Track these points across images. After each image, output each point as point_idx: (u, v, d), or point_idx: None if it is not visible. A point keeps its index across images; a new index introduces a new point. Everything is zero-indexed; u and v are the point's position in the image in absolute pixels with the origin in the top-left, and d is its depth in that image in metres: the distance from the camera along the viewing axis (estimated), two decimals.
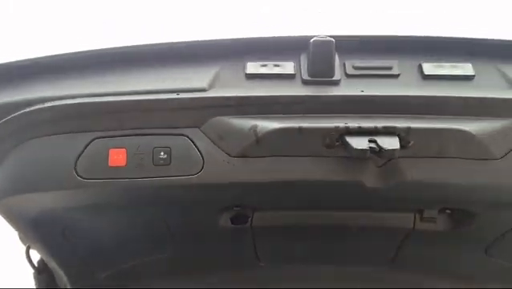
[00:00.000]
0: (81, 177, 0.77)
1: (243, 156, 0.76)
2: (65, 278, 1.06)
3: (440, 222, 1.01)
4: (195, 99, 0.78)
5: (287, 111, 0.78)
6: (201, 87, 0.80)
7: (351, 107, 0.78)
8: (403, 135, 0.73)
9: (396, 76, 0.83)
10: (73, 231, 0.94)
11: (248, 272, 1.26)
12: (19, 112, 0.78)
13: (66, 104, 0.78)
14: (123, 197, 0.82)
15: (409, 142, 0.74)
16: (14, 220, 0.91)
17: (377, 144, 0.70)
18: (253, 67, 0.83)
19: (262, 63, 0.84)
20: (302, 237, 1.11)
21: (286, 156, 0.77)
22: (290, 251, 1.18)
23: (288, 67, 0.84)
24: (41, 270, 1.10)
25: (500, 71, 0.83)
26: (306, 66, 0.83)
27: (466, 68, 0.82)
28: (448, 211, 0.97)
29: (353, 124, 0.74)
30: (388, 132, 0.73)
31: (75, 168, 0.78)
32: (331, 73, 0.82)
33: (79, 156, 0.78)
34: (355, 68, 0.83)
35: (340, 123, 0.74)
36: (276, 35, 0.88)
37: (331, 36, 0.81)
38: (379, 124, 0.74)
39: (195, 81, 0.81)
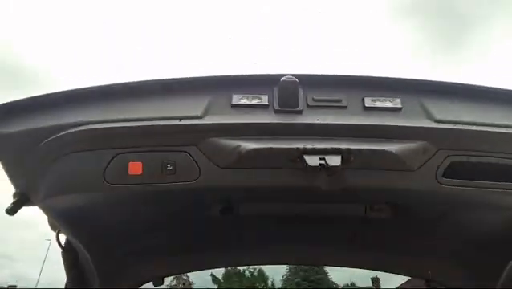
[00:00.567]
0: (108, 182, 1.04)
1: (229, 167, 1.03)
2: (87, 255, 1.33)
3: (386, 212, 1.32)
4: (193, 124, 1.04)
5: (262, 134, 1.05)
6: (198, 115, 1.06)
7: (310, 132, 1.05)
8: (345, 154, 1.01)
9: (345, 107, 1.10)
10: (98, 221, 1.21)
11: (234, 251, 1.57)
12: (60, 134, 1.04)
13: (95, 128, 1.04)
14: (139, 197, 1.09)
15: (350, 159, 1.01)
16: (55, 214, 1.18)
17: (325, 162, 0.98)
18: (237, 99, 1.09)
19: (243, 95, 1.10)
20: (278, 223, 1.41)
21: (261, 168, 1.04)
22: (268, 235, 1.48)
23: (264, 99, 1.10)
24: (67, 250, 1.36)
25: (422, 105, 1.10)
26: (277, 98, 1.09)
27: (395, 102, 1.09)
28: (389, 204, 1.28)
29: (309, 145, 1.01)
30: (335, 152, 1.00)
31: (104, 176, 1.04)
32: (296, 104, 1.08)
33: (106, 167, 1.04)
34: (314, 100, 1.10)
35: (300, 144, 1.01)
36: (255, 73, 1.13)
37: (296, 75, 1.07)
38: (329, 145, 1.01)
39: (192, 110, 1.07)
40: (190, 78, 1.13)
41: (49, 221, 1.34)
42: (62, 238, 1.38)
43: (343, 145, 1.02)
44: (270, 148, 1.02)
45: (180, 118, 1.05)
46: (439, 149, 1.04)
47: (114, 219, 1.23)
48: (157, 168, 1.04)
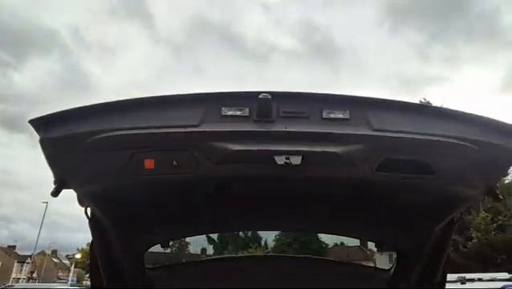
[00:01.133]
0: (130, 174, 1.41)
1: (220, 163, 1.40)
2: (110, 225, 1.72)
3: (339, 193, 1.71)
4: (193, 131, 1.39)
5: (244, 138, 1.40)
6: (195, 124, 1.40)
7: (279, 137, 1.41)
8: (306, 154, 1.37)
9: (307, 118, 1.45)
10: (121, 201, 1.59)
11: (224, 222, 2.00)
12: (93, 138, 1.38)
13: (118, 134, 1.39)
14: (152, 184, 1.47)
15: (309, 158, 1.38)
16: (88, 196, 1.55)
17: (289, 160, 1.35)
18: (225, 111, 1.43)
19: (230, 108, 1.44)
20: (256, 200, 1.81)
21: (243, 163, 1.41)
22: (249, 209, 1.89)
23: (245, 111, 1.44)
24: (94, 221, 1.75)
25: (365, 117, 1.45)
26: (255, 110, 1.43)
27: (346, 114, 1.44)
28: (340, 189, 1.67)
29: (278, 148, 1.37)
30: (297, 153, 1.37)
31: (126, 169, 1.40)
32: (270, 115, 1.43)
33: (128, 162, 1.40)
34: (284, 112, 1.45)
35: (272, 147, 1.38)
36: (239, 90, 1.47)
37: (271, 92, 1.41)
38: (293, 148, 1.38)
39: (191, 120, 1.41)
40: (190, 94, 1.46)
41: (78, 199, 1.72)
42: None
43: (304, 148, 1.38)
44: (250, 150, 1.38)
45: (184, 126, 1.40)
46: (375, 150, 1.41)
47: (133, 200, 1.61)
48: (166, 164, 1.40)
